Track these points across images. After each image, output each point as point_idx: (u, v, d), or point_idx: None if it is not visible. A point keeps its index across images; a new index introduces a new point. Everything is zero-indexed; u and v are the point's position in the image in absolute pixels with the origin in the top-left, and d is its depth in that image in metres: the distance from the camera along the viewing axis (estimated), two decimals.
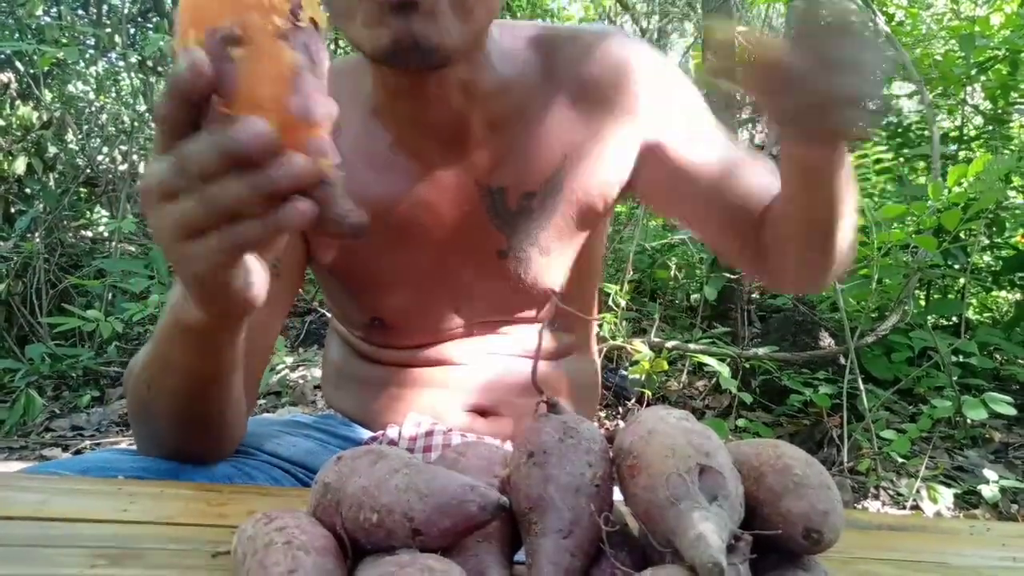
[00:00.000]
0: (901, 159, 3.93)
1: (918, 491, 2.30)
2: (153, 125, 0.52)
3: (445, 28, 0.73)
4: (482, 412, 0.98)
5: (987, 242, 3.56)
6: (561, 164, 0.91)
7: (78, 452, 2.69)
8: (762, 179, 0.93)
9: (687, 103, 0.96)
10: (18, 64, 4.34)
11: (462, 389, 0.98)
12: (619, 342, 2.94)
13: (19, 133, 4.04)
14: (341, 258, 0.94)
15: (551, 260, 0.95)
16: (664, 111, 0.94)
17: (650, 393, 2.90)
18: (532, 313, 0.98)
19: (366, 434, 1.02)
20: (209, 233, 0.52)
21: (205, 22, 0.50)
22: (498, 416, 0.98)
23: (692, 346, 3.01)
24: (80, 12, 5.00)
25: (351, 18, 0.75)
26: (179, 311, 0.66)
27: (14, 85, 4.30)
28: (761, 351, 2.89)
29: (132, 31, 5.08)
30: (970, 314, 3.80)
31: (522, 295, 0.96)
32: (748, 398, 2.68)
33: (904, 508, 2.28)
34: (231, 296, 0.60)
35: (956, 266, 3.27)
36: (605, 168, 0.93)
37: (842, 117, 0.65)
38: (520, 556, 0.52)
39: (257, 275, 0.61)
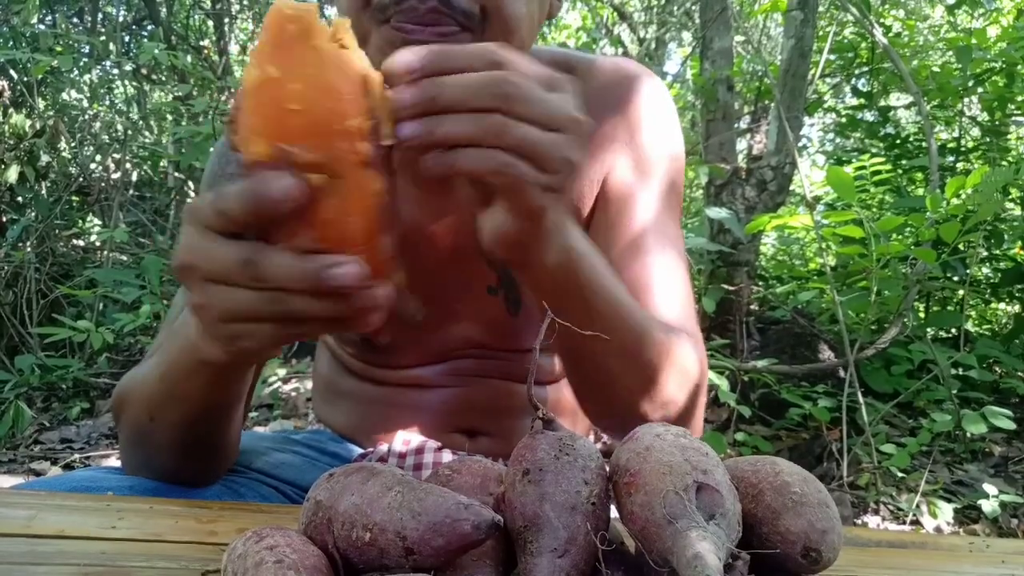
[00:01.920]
0: (899, 170, 3.95)
1: (918, 506, 2.29)
2: (201, 204, 0.49)
3: None
4: (471, 434, 0.97)
5: (986, 254, 3.57)
6: None
7: (68, 466, 2.67)
8: (657, 297, 0.85)
9: (660, 173, 0.91)
10: (12, 72, 4.34)
11: (452, 411, 0.97)
12: None
13: (11, 141, 4.03)
14: None
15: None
16: (637, 172, 0.90)
17: None
18: (524, 340, 0.96)
19: (356, 451, 1.01)
20: (265, 322, 0.52)
21: (280, 136, 0.47)
22: (488, 437, 0.97)
23: None
24: (75, 20, 5.00)
25: (364, 41, 0.71)
26: (198, 350, 0.62)
27: (7, 93, 4.30)
28: (760, 364, 2.88)
29: (127, 39, 5.09)
30: (969, 326, 3.81)
31: (512, 326, 0.94)
32: (747, 411, 2.67)
33: (904, 523, 2.27)
34: (261, 352, 0.60)
35: (955, 278, 3.28)
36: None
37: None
38: None
39: None
